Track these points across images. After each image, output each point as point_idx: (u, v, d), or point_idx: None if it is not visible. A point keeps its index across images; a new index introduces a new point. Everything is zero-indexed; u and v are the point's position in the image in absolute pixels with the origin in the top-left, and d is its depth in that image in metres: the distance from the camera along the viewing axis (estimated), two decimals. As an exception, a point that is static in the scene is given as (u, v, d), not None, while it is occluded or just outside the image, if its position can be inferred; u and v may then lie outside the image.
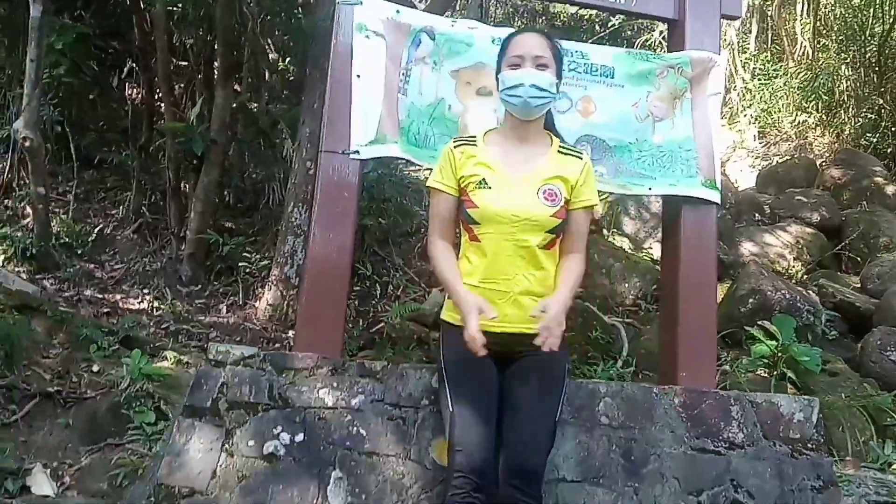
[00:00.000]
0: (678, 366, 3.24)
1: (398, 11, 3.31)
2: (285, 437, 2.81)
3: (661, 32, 10.76)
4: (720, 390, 3.26)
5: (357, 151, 3.16)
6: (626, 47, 5.36)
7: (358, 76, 3.21)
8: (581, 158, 2.82)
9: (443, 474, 2.78)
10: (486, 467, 2.49)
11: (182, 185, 6.62)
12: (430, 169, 3.01)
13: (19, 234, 5.71)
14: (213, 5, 6.32)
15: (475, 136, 2.88)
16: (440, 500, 2.68)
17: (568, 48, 3.38)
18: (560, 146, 2.84)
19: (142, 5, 6.94)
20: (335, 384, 2.91)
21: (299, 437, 2.82)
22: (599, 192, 3.06)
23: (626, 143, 3.43)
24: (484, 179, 2.72)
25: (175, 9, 6.65)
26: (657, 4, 3.65)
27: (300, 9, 7.02)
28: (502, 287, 2.71)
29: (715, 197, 3.45)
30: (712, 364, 3.28)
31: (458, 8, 10.88)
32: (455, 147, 2.82)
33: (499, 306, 2.66)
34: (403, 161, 4.50)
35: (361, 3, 3.26)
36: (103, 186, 6.77)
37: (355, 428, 2.87)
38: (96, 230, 6.22)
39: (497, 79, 2.83)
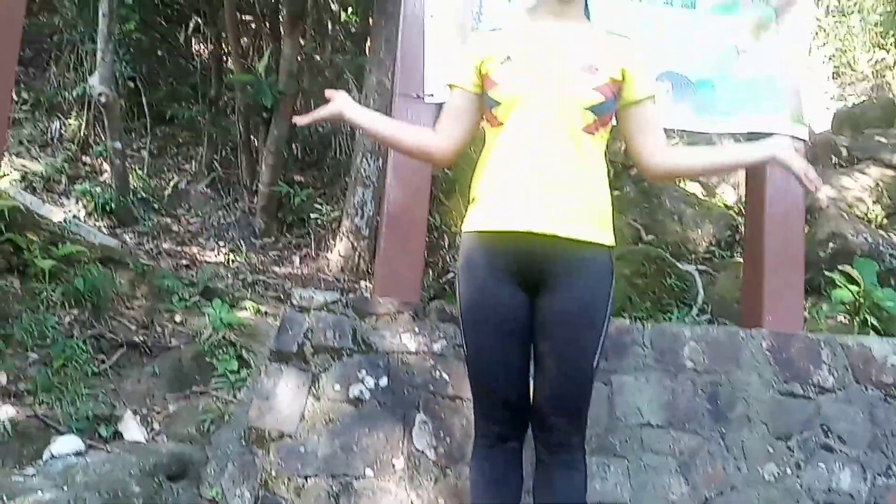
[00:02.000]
0: (763, 307, 3.16)
1: None
2: (370, 380, 2.84)
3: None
4: (809, 334, 3.18)
5: (432, 94, 3.12)
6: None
7: (431, 17, 3.16)
8: (627, 37, 2.30)
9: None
10: (508, 417, 2.23)
11: (251, 138, 6.69)
12: None
13: (98, 189, 5.85)
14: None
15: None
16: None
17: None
18: (602, 30, 2.32)
19: (206, -41, 6.96)
20: (416, 329, 2.93)
21: (383, 381, 2.85)
22: (683, 131, 2.96)
23: (709, 78, 3.31)
24: (509, 56, 2.21)
25: (238, -39, 6.66)
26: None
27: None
28: (530, 178, 2.13)
29: (803, 133, 3.33)
30: (800, 304, 3.20)
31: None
32: (478, 35, 2.51)
33: (524, 202, 2.12)
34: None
35: None
36: (175, 142, 6.89)
37: (438, 372, 2.89)
38: (171, 185, 6.35)
39: None
